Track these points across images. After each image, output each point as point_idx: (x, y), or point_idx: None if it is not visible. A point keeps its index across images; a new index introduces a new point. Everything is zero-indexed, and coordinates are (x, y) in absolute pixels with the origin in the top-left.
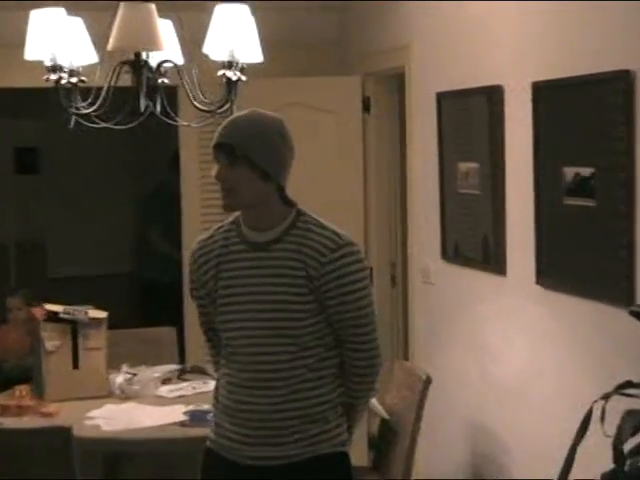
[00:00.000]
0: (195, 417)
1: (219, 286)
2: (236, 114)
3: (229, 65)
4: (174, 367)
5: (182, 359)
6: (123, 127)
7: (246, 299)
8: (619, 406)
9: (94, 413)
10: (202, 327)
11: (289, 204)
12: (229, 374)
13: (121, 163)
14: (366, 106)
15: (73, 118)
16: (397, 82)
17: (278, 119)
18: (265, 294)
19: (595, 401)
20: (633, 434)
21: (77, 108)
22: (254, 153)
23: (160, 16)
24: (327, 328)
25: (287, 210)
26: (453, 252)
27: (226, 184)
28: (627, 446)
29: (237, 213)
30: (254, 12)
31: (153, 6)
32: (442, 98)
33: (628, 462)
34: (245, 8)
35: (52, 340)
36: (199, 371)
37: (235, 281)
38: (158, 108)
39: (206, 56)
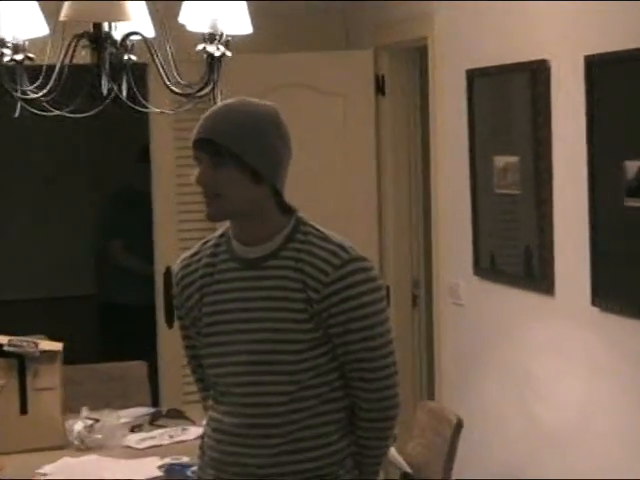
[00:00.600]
0: (172, 472)
1: (203, 313)
2: (219, 104)
3: (211, 38)
4: (146, 410)
5: (155, 400)
6: (80, 115)
7: (234, 328)
8: None
9: (47, 468)
10: (189, 364)
11: (287, 211)
12: (217, 419)
13: (77, 160)
14: (380, 87)
15: (19, 104)
16: (418, 57)
17: (272, 108)
18: (256, 321)
19: None
20: None
21: (23, 92)
22: (243, 150)
23: None
24: (332, 362)
25: (285, 219)
26: (488, 266)
27: (210, 189)
28: None
29: (227, 223)
30: None
31: None
32: (474, 76)
33: None
34: None
35: None
36: (177, 415)
37: (221, 306)
38: (124, 91)
39: (183, 27)
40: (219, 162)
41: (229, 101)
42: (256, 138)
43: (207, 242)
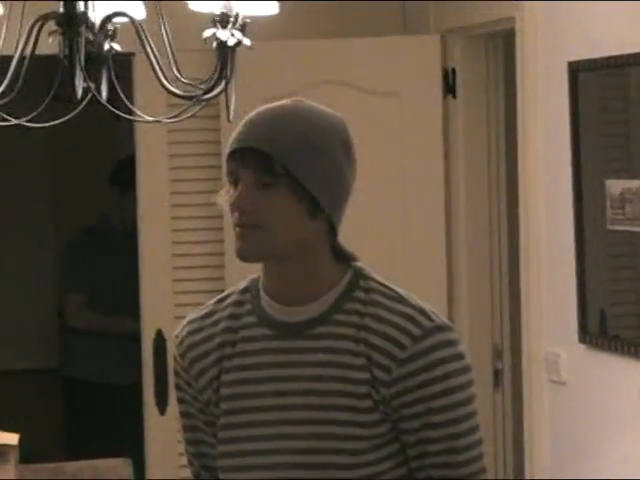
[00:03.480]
0: None
1: (222, 396)
2: (269, 106)
3: (223, 21)
4: None
5: None
6: (45, 125)
7: (266, 418)
8: None
9: None
10: (191, 465)
11: (343, 258)
12: None
13: (36, 187)
14: (449, 85)
15: None
16: (501, 46)
17: (340, 119)
18: (299, 409)
19: None
20: None
21: None
22: (304, 171)
23: None
24: (399, 468)
25: (339, 269)
26: (598, 331)
27: (250, 217)
28: None
29: (253, 276)
30: None
31: None
32: (579, 71)
33: None
34: None
35: None
36: None
37: (248, 388)
38: (104, 93)
39: (185, 6)
40: (267, 182)
41: (283, 103)
42: (321, 156)
43: (224, 299)
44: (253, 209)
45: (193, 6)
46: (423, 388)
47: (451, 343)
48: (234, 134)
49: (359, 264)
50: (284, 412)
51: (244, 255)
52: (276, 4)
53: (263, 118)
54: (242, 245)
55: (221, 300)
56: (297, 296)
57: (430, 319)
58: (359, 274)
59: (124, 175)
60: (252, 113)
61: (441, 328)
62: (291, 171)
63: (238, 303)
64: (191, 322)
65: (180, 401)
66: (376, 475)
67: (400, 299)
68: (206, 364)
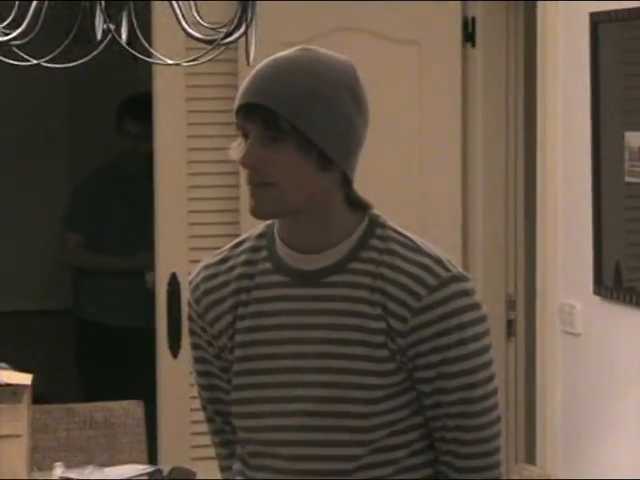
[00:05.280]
0: None
1: (237, 343)
2: (277, 57)
3: None
4: (141, 468)
5: (153, 454)
6: (66, 65)
7: (282, 365)
8: None
9: None
10: (205, 409)
11: (359, 207)
12: None
13: (51, 126)
14: (469, 34)
15: None
16: None
17: (349, 66)
18: (315, 358)
19: None
20: None
21: None
22: (311, 125)
23: None
24: (414, 417)
25: (355, 218)
26: (614, 282)
27: (260, 175)
28: None
29: (269, 222)
30: None
31: None
32: (600, 23)
33: None
34: None
35: None
36: (183, 475)
37: (263, 335)
38: (124, 35)
39: None
40: (277, 138)
41: (289, 54)
42: (328, 108)
43: (239, 245)
44: (262, 165)
45: None
46: (438, 338)
47: (467, 293)
48: (241, 88)
49: (375, 212)
50: (299, 360)
51: (258, 214)
52: None
53: (269, 72)
54: (255, 204)
55: (236, 246)
56: (313, 244)
57: (446, 269)
58: (375, 222)
59: (136, 114)
60: (258, 66)
61: (457, 278)
62: (297, 126)
63: (254, 249)
64: (206, 267)
65: (194, 346)
66: (391, 423)
67: (416, 248)
68: (221, 310)
